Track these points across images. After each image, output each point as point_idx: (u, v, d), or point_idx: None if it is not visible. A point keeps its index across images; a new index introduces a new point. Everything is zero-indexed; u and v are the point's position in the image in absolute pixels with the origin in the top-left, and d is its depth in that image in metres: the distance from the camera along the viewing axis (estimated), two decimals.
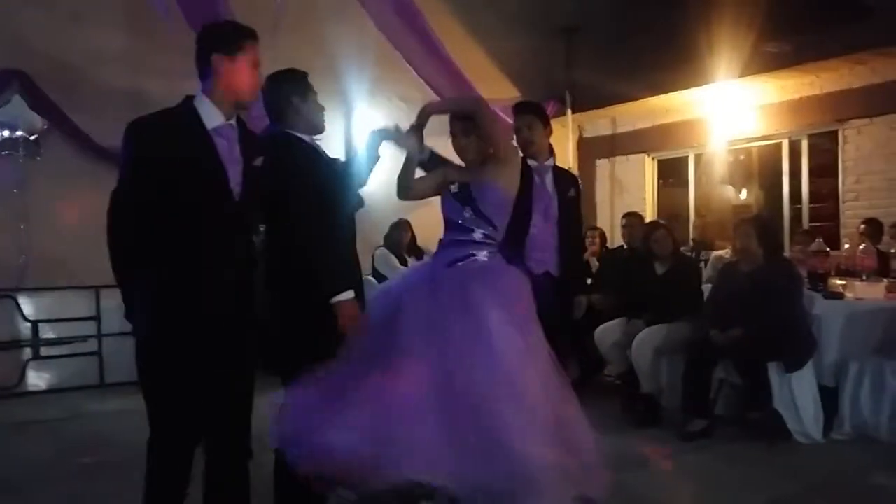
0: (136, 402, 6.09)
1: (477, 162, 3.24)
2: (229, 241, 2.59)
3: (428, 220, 4.50)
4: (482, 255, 3.12)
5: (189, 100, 2.63)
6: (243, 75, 2.61)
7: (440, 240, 3.24)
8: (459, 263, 3.07)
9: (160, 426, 2.60)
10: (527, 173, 3.90)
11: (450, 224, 3.20)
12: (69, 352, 6.65)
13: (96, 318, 6.81)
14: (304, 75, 3.17)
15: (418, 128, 3.24)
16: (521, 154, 4.01)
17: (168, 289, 2.50)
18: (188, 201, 2.49)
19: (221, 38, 2.61)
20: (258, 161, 2.67)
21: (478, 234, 3.13)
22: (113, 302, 6.84)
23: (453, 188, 3.19)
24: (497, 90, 8.48)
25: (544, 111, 4.25)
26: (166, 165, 2.48)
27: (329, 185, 3.02)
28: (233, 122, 2.64)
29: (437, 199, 3.28)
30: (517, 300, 3.06)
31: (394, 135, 3.23)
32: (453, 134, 3.24)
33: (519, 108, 4.11)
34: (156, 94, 6.84)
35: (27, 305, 6.56)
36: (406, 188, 3.31)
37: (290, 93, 3.08)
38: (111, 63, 6.78)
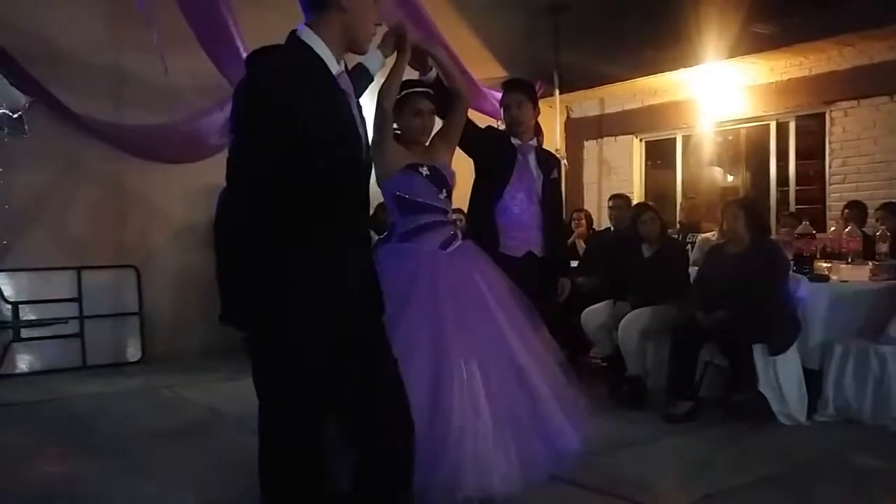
0: (118, 385, 6.13)
1: (424, 144, 3.23)
2: (363, 216, 2.18)
3: None
4: (460, 235, 3.21)
5: (296, 37, 2.06)
6: (370, 16, 2.13)
7: (402, 225, 3.15)
8: (454, 245, 3.11)
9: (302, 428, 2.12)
10: (510, 152, 3.87)
11: (420, 207, 3.10)
12: (50, 334, 6.57)
13: (78, 300, 6.74)
14: None
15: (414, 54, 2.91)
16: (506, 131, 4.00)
17: (314, 279, 2.02)
18: (325, 170, 2.00)
19: None
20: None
21: (451, 215, 3.22)
22: (95, 283, 6.89)
23: (423, 171, 3.09)
24: (484, 70, 8.42)
25: (534, 90, 4.19)
26: (301, 125, 1.93)
27: None
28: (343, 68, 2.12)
29: None
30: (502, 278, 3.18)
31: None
32: (420, 111, 3.14)
33: (509, 86, 4.05)
34: (136, 69, 6.84)
35: (7, 286, 6.46)
36: (383, 98, 3.05)
37: None
38: (91, 39, 6.68)
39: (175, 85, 6.94)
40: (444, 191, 3.13)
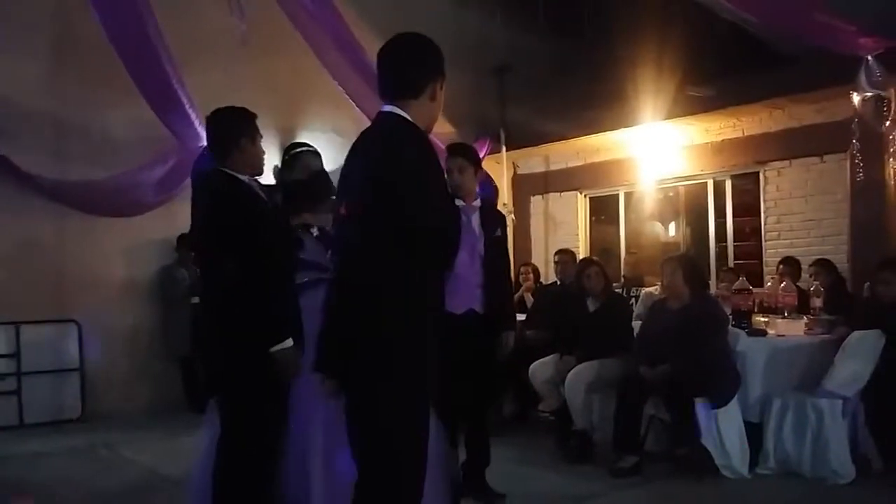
0: (56, 444, 5.95)
1: None
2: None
3: None
4: None
5: (393, 114, 2.38)
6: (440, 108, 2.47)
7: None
8: None
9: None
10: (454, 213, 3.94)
11: (311, 265, 3.28)
12: None
13: (16, 356, 6.55)
14: (252, 117, 3.17)
15: None
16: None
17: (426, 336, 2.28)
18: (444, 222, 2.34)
19: (443, 64, 2.45)
20: None
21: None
22: (34, 338, 6.70)
23: (314, 232, 3.34)
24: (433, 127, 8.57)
25: (476, 154, 4.30)
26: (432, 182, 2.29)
27: (264, 226, 3.00)
28: None
29: None
30: None
31: None
32: (307, 167, 3.50)
33: (451, 151, 4.16)
34: (76, 122, 6.80)
35: None
36: None
37: (240, 133, 3.07)
38: (32, 91, 6.64)
39: (116, 136, 6.93)
40: (331, 252, 3.16)
